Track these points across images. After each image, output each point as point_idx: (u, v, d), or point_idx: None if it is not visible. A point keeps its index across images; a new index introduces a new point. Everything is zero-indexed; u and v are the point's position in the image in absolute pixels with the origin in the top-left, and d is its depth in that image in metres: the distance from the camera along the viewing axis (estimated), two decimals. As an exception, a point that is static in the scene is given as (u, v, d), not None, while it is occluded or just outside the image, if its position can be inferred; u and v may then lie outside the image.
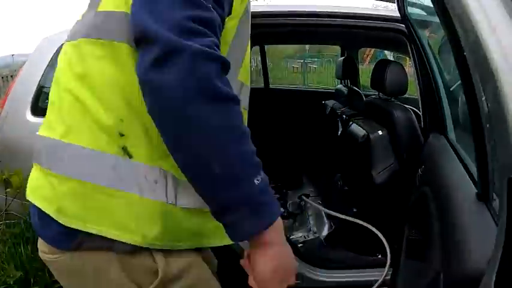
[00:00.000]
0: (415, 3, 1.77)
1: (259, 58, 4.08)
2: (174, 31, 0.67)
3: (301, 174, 3.23)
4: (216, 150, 0.70)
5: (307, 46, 13.07)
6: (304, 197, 2.62)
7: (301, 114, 3.78)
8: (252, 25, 2.16)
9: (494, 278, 0.69)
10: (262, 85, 4.12)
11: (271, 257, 0.78)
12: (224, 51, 0.84)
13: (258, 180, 0.73)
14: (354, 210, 2.51)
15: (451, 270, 1.08)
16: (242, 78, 0.95)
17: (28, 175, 0.94)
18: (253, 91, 3.88)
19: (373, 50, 8.23)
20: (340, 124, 2.90)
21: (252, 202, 0.73)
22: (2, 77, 8.26)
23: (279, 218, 0.77)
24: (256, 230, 0.75)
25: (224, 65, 0.71)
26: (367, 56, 9.61)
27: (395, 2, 1.74)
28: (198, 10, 0.71)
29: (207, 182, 0.72)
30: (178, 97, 0.66)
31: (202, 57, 0.67)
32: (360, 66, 4.43)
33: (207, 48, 0.68)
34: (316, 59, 15.68)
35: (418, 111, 2.15)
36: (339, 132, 2.86)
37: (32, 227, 0.96)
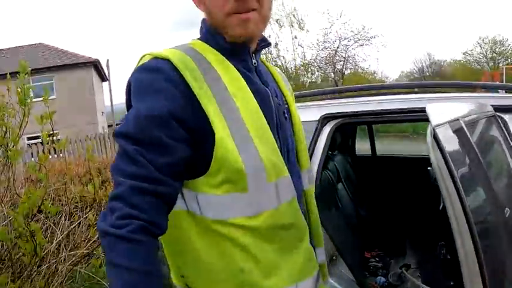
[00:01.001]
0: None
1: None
2: (102, 218, 0.87)
3: (405, 241, 3.41)
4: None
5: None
6: (404, 270, 2.90)
7: (408, 180, 3.91)
8: (364, 122, 2.62)
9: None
10: (369, 153, 4.44)
11: None
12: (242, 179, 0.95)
13: None
14: (451, 283, 2.70)
15: None
16: (272, 178, 0.99)
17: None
18: (362, 159, 4.26)
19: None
20: (442, 198, 3.09)
21: None
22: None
23: None
24: None
25: (118, 237, 0.82)
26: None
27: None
28: (117, 188, 0.86)
29: None
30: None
31: (100, 236, 0.86)
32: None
33: (100, 228, 0.85)
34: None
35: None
36: (441, 207, 3.07)
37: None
